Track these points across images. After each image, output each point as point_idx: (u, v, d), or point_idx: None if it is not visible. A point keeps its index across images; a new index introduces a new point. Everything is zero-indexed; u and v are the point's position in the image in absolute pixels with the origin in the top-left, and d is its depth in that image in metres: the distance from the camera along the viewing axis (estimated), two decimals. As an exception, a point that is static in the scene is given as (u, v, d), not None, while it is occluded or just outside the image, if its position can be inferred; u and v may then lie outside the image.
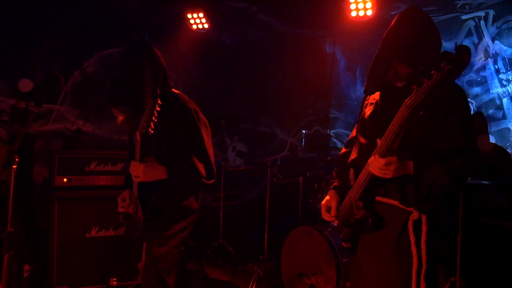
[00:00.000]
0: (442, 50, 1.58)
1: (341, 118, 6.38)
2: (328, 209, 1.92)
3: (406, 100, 1.53)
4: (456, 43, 1.47)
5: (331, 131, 6.17)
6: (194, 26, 5.21)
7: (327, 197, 1.95)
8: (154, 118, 2.01)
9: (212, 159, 2.29)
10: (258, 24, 5.70)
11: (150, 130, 2.01)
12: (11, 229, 1.98)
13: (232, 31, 5.91)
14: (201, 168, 2.21)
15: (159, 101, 2.01)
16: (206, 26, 5.20)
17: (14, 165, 1.92)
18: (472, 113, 5.00)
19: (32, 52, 4.61)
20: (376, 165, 1.63)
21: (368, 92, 1.90)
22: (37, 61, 4.60)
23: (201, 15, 5.09)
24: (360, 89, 6.29)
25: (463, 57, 1.41)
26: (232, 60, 5.90)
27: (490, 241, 3.29)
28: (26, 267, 3.42)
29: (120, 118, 2.21)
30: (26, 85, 4.45)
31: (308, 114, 6.32)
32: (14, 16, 4.57)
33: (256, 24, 5.70)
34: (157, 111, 2.02)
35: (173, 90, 2.32)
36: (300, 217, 4.05)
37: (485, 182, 3.22)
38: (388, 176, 1.63)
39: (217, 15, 5.25)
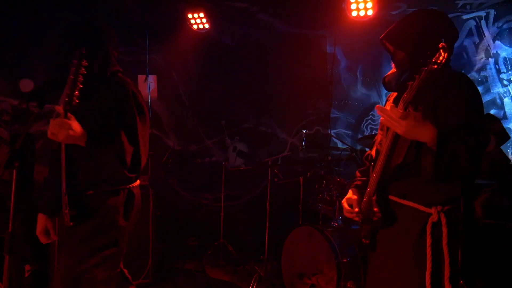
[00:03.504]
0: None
1: (341, 118, 6.37)
2: (350, 206, 1.93)
3: (403, 95, 1.58)
4: (442, 41, 1.52)
5: (332, 131, 6.17)
6: (195, 26, 5.21)
7: (348, 195, 1.96)
8: (79, 84, 1.77)
9: (142, 148, 2.00)
10: (259, 24, 5.70)
11: (74, 99, 1.77)
12: (12, 230, 1.98)
13: (232, 31, 5.91)
14: (128, 150, 1.92)
15: (83, 66, 1.78)
16: (206, 26, 5.20)
17: (16, 166, 1.92)
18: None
19: (33, 52, 4.61)
20: (389, 113, 1.55)
21: (388, 88, 1.91)
22: (38, 61, 4.60)
23: (201, 15, 5.09)
24: (361, 89, 6.29)
25: (443, 55, 1.48)
26: (233, 60, 5.90)
27: (492, 241, 3.29)
28: (27, 267, 3.42)
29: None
30: (27, 85, 4.46)
31: (309, 114, 6.32)
32: (15, 16, 4.57)
33: (256, 24, 5.70)
34: (83, 77, 1.78)
35: (122, 76, 2.12)
36: (300, 217, 4.05)
37: (487, 182, 3.22)
38: (398, 131, 1.56)
39: (218, 15, 5.25)
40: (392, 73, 1.84)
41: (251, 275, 4.08)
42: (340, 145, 5.55)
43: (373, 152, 2.00)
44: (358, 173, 2.07)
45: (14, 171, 1.94)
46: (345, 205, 1.95)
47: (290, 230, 3.69)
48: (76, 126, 1.80)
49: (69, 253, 1.94)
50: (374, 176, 1.77)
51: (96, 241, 1.94)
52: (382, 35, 1.83)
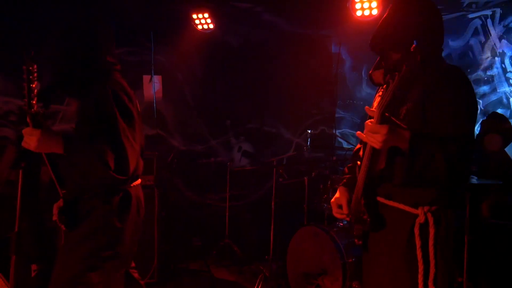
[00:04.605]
0: (445, 46, 1.60)
1: (347, 118, 6.36)
2: (339, 206, 1.89)
3: (379, 100, 1.58)
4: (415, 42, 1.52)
5: (337, 131, 6.15)
6: (200, 27, 5.22)
7: (337, 194, 1.92)
8: (34, 90, 1.73)
9: (130, 149, 1.89)
10: (263, 24, 5.70)
11: (34, 105, 1.73)
12: (18, 230, 1.99)
13: (237, 31, 5.91)
14: (110, 158, 1.81)
15: (35, 71, 1.73)
16: (211, 26, 5.21)
17: (22, 166, 1.93)
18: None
19: (38, 53, 4.63)
20: (367, 128, 1.58)
21: (375, 83, 1.89)
22: (44, 61, 4.62)
23: (206, 15, 5.10)
24: (366, 89, 6.27)
25: (415, 58, 1.50)
26: (237, 60, 5.91)
27: (498, 241, 3.27)
28: (34, 267, 3.44)
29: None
30: (32, 86, 4.45)
31: (314, 114, 6.31)
32: (19, 16, 4.59)
33: (261, 24, 5.70)
34: (32, 78, 1.73)
35: (118, 75, 2.07)
36: (306, 217, 4.04)
37: (492, 182, 3.20)
38: (376, 146, 1.57)
39: (222, 16, 5.25)
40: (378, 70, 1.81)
41: (256, 275, 4.07)
42: (345, 145, 5.53)
43: (361, 149, 1.95)
44: (346, 170, 2.04)
45: (21, 172, 1.95)
46: (334, 206, 1.90)
47: (295, 230, 3.69)
48: (45, 133, 1.75)
49: (65, 256, 1.93)
50: (359, 178, 1.74)
51: (91, 244, 1.90)
52: (372, 39, 1.77)
